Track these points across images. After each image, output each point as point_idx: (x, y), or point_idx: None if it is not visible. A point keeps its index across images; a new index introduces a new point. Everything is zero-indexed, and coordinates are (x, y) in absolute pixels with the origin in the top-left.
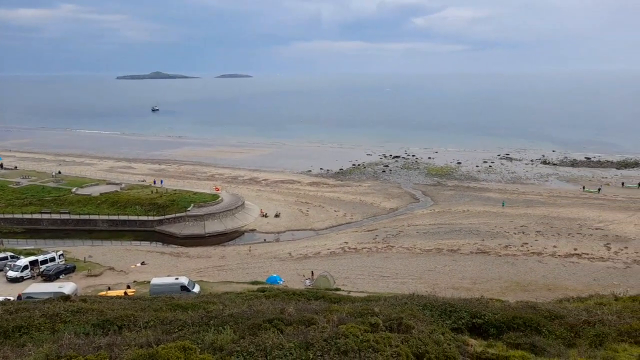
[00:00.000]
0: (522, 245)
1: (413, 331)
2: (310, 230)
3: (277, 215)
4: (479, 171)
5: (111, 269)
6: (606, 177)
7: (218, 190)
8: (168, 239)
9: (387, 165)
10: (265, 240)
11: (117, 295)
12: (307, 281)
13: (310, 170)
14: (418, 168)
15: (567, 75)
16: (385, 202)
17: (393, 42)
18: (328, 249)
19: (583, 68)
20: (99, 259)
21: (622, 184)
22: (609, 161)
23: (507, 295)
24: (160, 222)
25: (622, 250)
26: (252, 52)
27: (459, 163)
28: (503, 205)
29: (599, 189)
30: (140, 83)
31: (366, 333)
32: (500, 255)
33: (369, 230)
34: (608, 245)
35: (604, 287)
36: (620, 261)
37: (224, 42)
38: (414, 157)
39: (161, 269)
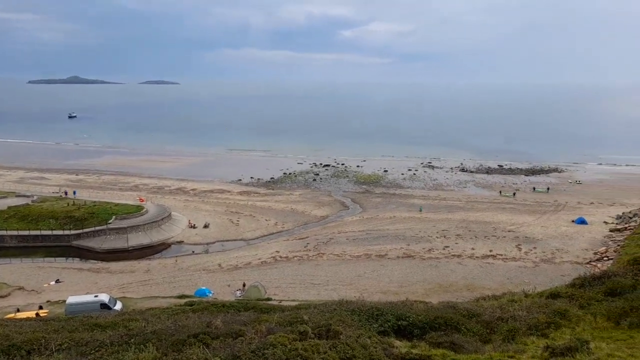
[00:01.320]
0: (444, 249)
1: (341, 337)
2: (240, 240)
3: (206, 226)
4: (404, 179)
5: (20, 288)
6: (516, 183)
7: (143, 201)
8: (87, 254)
9: (317, 174)
10: (193, 252)
11: (28, 318)
12: (238, 292)
13: (240, 179)
14: (347, 176)
15: (480, 86)
16: (316, 210)
17: (322, 52)
18: (259, 259)
19: (493, 81)
20: (6, 278)
21: (534, 188)
22: (518, 168)
23: (431, 296)
24: (78, 236)
25: (531, 250)
26: (180, 58)
27: (386, 171)
28: (420, 211)
29: (514, 193)
30: (55, 88)
31: (295, 342)
32: (424, 259)
33: (300, 239)
34: (519, 246)
35: (516, 285)
36: (530, 260)
37: (149, 47)
38: (344, 166)
39: (79, 287)
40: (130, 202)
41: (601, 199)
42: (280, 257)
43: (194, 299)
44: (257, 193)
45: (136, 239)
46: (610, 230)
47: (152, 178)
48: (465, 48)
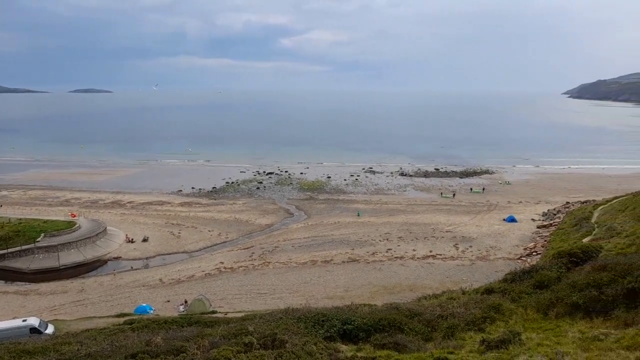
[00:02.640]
0: (386, 251)
1: (287, 345)
2: (183, 253)
3: (145, 240)
4: (347, 184)
5: None
6: (452, 185)
7: (74, 216)
8: (12, 275)
9: (261, 182)
10: (132, 267)
11: None
12: (181, 307)
13: (181, 190)
14: (291, 183)
15: (413, 94)
16: (261, 219)
17: (262, 60)
18: (203, 271)
19: (426, 88)
20: None
21: (471, 189)
22: (453, 171)
23: (376, 299)
24: (2, 256)
25: (467, 249)
26: (112, 66)
27: (329, 177)
28: (359, 215)
29: (454, 194)
30: None
31: (239, 354)
32: (368, 262)
33: (245, 248)
34: (457, 246)
35: (455, 283)
36: (467, 259)
37: (79, 54)
38: (287, 173)
39: (4, 312)
40: (61, 218)
41: (528, 197)
42: (225, 268)
43: (134, 317)
44: (198, 203)
45: (68, 257)
46: (538, 227)
47: (84, 191)
48: (400, 58)
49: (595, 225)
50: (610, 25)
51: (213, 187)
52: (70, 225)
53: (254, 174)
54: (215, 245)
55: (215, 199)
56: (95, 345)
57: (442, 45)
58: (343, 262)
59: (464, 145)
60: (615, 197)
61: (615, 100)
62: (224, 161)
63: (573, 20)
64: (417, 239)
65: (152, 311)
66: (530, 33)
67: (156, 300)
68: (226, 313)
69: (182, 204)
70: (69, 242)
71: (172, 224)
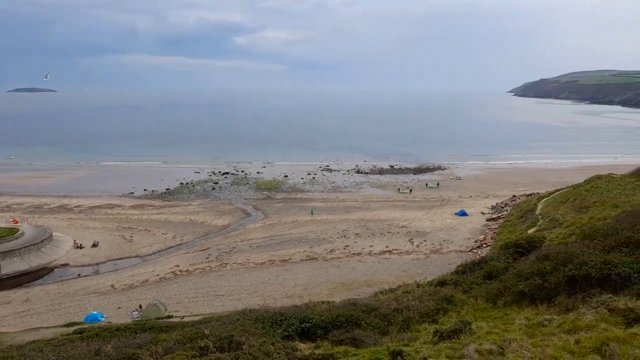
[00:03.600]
0: (344, 248)
1: (244, 347)
2: (135, 257)
3: (95, 245)
4: (304, 183)
5: None
6: (407, 182)
7: (17, 222)
8: None
9: (216, 182)
10: (79, 274)
11: None
12: (135, 313)
13: (132, 192)
14: (248, 183)
15: (370, 93)
16: (217, 220)
17: (216, 58)
18: (157, 275)
19: (381, 87)
20: None
21: (426, 184)
22: (407, 168)
23: (335, 296)
24: None
25: (422, 243)
26: (57, 64)
27: (286, 176)
28: (312, 214)
29: (411, 190)
30: None
31: (194, 359)
32: (327, 260)
33: (201, 250)
34: (411, 240)
35: (410, 277)
36: (422, 253)
37: (19, 51)
38: (243, 173)
39: None
40: (2, 225)
41: (478, 192)
42: (181, 271)
43: (84, 326)
44: (152, 206)
45: (11, 266)
46: (487, 220)
47: (27, 196)
48: (355, 57)
49: (540, 217)
50: (551, 28)
51: (167, 189)
52: (12, 232)
53: (210, 174)
54: (170, 248)
55: (169, 201)
56: (41, 357)
57: (395, 44)
58: (301, 260)
59: (418, 143)
60: (557, 190)
61: (556, 97)
62: (178, 162)
63: (517, 22)
64: (373, 235)
65: (103, 319)
66: (478, 34)
67: (108, 308)
68: (182, 317)
69: (134, 207)
70: (11, 250)
71: (124, 227)
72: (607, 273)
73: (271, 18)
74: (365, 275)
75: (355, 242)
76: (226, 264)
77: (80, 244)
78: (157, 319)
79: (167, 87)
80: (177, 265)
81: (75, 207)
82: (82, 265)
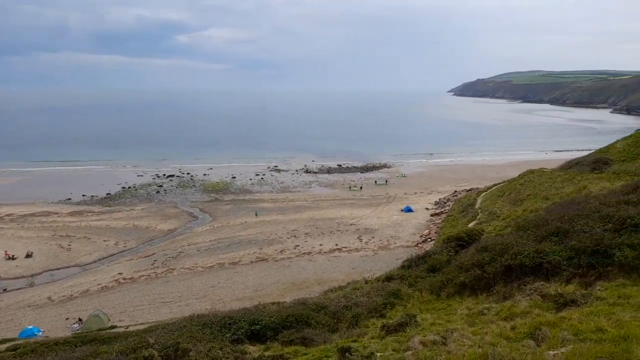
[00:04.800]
0: (294, 248)
1: (191, 354)
2: (74, 266)
3: (29, 255)
4: (252, 184)
5: None
6: (354, 180)
7: None
8: None
9: (161, 186)
10: (5, 289)
11: None
12: (75, 325)
13: (70, 199)
14: (194, 185)
15: (314, 93)
16: (162, 224)
17: (158, 57)
18: (99, 284)
19: (326, 87)
20: None
21: (375, 182)
22: (354, 166)
23: (286, 296)
24: None
25: (370, 240)
26: None
27: (234, 177)
28: (257, 215)
29: (361, 187)
30: None
31: None
32: (277, 260)
33: (146, 256)
34: (360, 238)
35: (360, 274)
36: (370, 249)
37: None
38: (189, 175)
39: None
40: None
41: (422, 188)
42: (124, 279)
43: (19, 342)
44: (91, 212)
45: None
46: (431, 215)
47: None
48: (301, 57)
49: (479, 211)
50: (487, 31)
51: (107, 194)
52: None
53: (153, 177)
54: (112, 255)
55: (110, 206)
56: None
57: (340, 45)
58: (251, 262)
59: (363, 142)
60: (495, 185)
61: (492, 97)
62: (119, 165)
63: (455, 25)
64: (323, 233)
65: (40, 333)
66: (418, 36)
67: (45, 321)
68: (127, 327)
69: (71, 214)
70: None
71: (61, 235)
72: (540, 261)
73: (214, 16)
74: (315, 274)
75: (306, 241)
76: (173, 269)
77: (13, 255)
78: (99, 330)
79: (106, 86)
80: (120, 273)
81: (6, 215)
82: (15, 278)
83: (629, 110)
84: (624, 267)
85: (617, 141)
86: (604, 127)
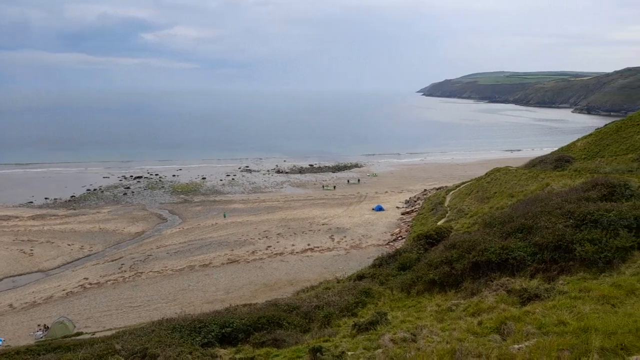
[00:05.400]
0: (266, 249)
1: (159, 359)
2: (37, 272)
3: None
4: (223, 185)
5: None
6: (326, 180)
7: None
8: None
9: (128, 187)
10: None
11: None
12: (39, 333)
13: (31, 202)
14: (163, 187)
15: (284, 93)
16: (130, 227)
17: (123, 56)
18: (63, 290)
19: (297, 87)
20: None
21: (348, 181)
22: (326, 166)
23: (258, 297)
24: None
25: (342, 239)
26: None
27: (204, 178)
28: (225, 217)
29: (334, 187)
30: None
31: None
32: (249, 262)
33: (113, 260)
34: (332, 237)
35: (332, 273)
36: (342, 249)
37: None
38: (158, 176)
39: None
40: None
41: (393, 187)
42: (90, 284)
43: None
44: (55, 215)
45: None
46: (402, 214)
47: None
48: (270, 56)
49: (448, 209)
50: (453, 33)
51: (72, 196)
52: None
53: (120, 179)
54: (78, 260)
55: (75, 209)
56: None
57: (310, 45)
58: (222, 264)
59: (335, 142)
60: (463, 183)
61: (460, 97)
62: (83, 167)
63: (424, 26)
64: (295, 234)
65: (1, 343)
66: (389, 36)
67: (6, 330)
68: (94, 333)
69: (33, 217)
70: None
71: (22, 240)
72: (505, 257)
73: (180, 15)
74: (287, 274)
75: (278, 242)
76: (141, 273)
77: None
78: (65, 337)
79: (70, 86)
80: (86, 278)
81: None
82: None
83: (589, 110)
84: (584, 261)
85: (578, 140)
86: (566, 126)
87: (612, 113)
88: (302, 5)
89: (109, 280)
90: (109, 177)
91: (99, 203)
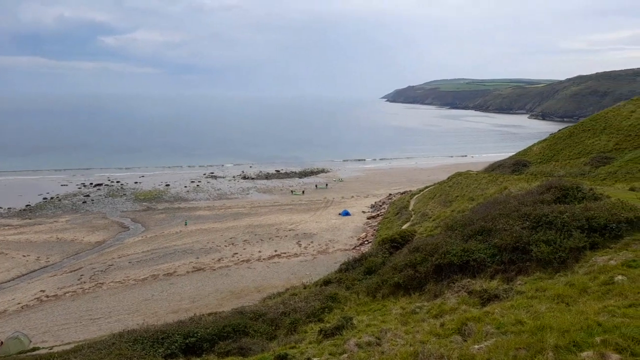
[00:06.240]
0: (233, 256)
1: None
2: None
3: None
4: (187, 191)
5: None
6: (292, 185)
7: None
8: None
9: (88, 195)
10: None
11: None
12: None
13: None
14: (125, 194)
15: (251, 98)
16: (90, 236)
17: (82, 60)
18: (18, 304)
19: (262, 93)
20: None
21: (316, 186)
22: (293, 172)
23: (224, 305)
24: None
25: (309, 245)
26: None
27: (168, 185)
28: (186, 224)
29: (303, 192)
30: None
31: None
32: (214, 269)
33: (72, 271)
34: (299, 243)
35: (299, 279)
36: (309, 254)
37: None
38: (119, 184)
39: None
40: None
41: (359, 192)
42: (48, 296)
43: None
44: (8, 225)
45: None
46: (368, 218)
47: None
48: (235, 62)
49: (413, 212)
50: (416, 41)
51: (27, 205)
52: None
53: (79, 186)
54: (34, 271)
55: (30, 219)
56: None
57: (274, 51)
58: (188, 272)
59: (301, 147)
60: (426, 187)
61: (422, 103)
62: (40, 175)
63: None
64: (262, 240)
65: None
66: (351, 43)
67: None
68: (51, 348)
69: None
70: None
71: None
72: (467, 259)
73: (142, 18)
74: (254, 281)
75: (244, 248)
76: (102, 283)
77: None
78: (20, 353)
79: (25, 90)
80: (43, 291)
81: None
82: None
83: (543, 116)
84: (540, 261)
85: (534, 145)
86: (523, 131)
87: (565, 119)
88: (265, 11)
89: (68, 292)
90: (67, 185)
91: (56, 212)
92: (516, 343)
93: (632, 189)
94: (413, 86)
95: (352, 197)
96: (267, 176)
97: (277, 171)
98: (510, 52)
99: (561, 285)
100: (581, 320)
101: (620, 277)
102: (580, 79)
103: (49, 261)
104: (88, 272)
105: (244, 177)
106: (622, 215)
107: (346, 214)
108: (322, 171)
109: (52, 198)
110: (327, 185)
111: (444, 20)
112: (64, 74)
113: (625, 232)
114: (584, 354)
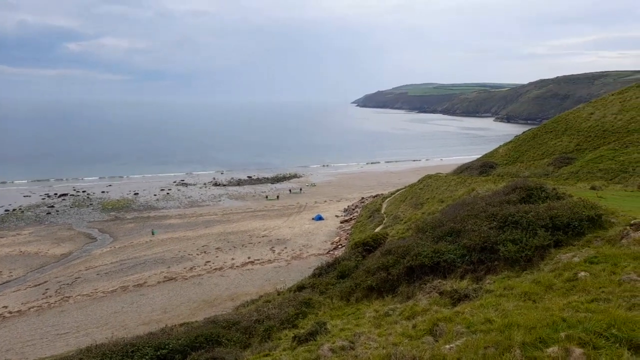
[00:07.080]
0: (205, 264)
1: None
2: None
3: None
4: (157, 200)
5: None
6: (265, 192)
7: None
8: None
9: (52, 206)
10: None
11: None
12: None
13: None
14: (91, 204)
15: (222, 104)
16: (55, 249)
17: (44, 67)
18: None
19: (234, 98)
20: None
21: (290, 190)
22: (265, 177)
23: (197, 315)
24: None
25: (283, 250)
26: None
27: (137, 194)
28: (154, 234)
29: (278, 197)
30: None
31: None
32: (187, 279)
33: (36, 285)
34: (273, 249)
35: (274, 285)
36: (283, 260)
37: None
38: (85, 193)
39: None
40: None
41: (331, 196)
42: (11, 312)
43: None
44: None
45: None
46: (341, 222)
47: None
48: (206, 68)
49: (385, 215)
50: (385, 47)
51: None
52: None
53: (42, 197)
54: None
55: None
56: None
57: (246, 57)
58: (159, 282)
59: (273, 153)
60: (398, 190)
61: (392, 107)
62: (0, 185)
63: (355, 40)
64: (235, 247)
65: None
66: (323, 50)
67: None
68: None
69: None
70: None
71: None
72: (437, 260)
73: (109, 25)
74: (228, 289)
75: (217, 256)
76: (69, 297)
77: None
78: None
79: None
80: (5, 307)
81: None
82: None
83: (508, 119)
84: (508, 260)
85: (500, 147)
86: (489, 134)
87: (529, 121)
88: (233, 17)
89: (32, 307)
90: (30, 196)
91: (19, 224)
92: (485, 342)
93: (592, 188)
94: (382, 91)
95: (325, 201)
96: (239, 182)
97: (249, 177)
98: (476, 57)
99: (528, 283)
100: (547, 317)
101: (583, 273)
102: (542, 83)
103: (11, 275)
104: (54, 285)
105: (216, 184)
106: (584, 213)
107: (319, 218)
108: (295, 176)
109: (14, 210)
110: (301, 190)
111: (413, 27)
112: (24, 80)
113: (587, 230)
114: (550, 349)
